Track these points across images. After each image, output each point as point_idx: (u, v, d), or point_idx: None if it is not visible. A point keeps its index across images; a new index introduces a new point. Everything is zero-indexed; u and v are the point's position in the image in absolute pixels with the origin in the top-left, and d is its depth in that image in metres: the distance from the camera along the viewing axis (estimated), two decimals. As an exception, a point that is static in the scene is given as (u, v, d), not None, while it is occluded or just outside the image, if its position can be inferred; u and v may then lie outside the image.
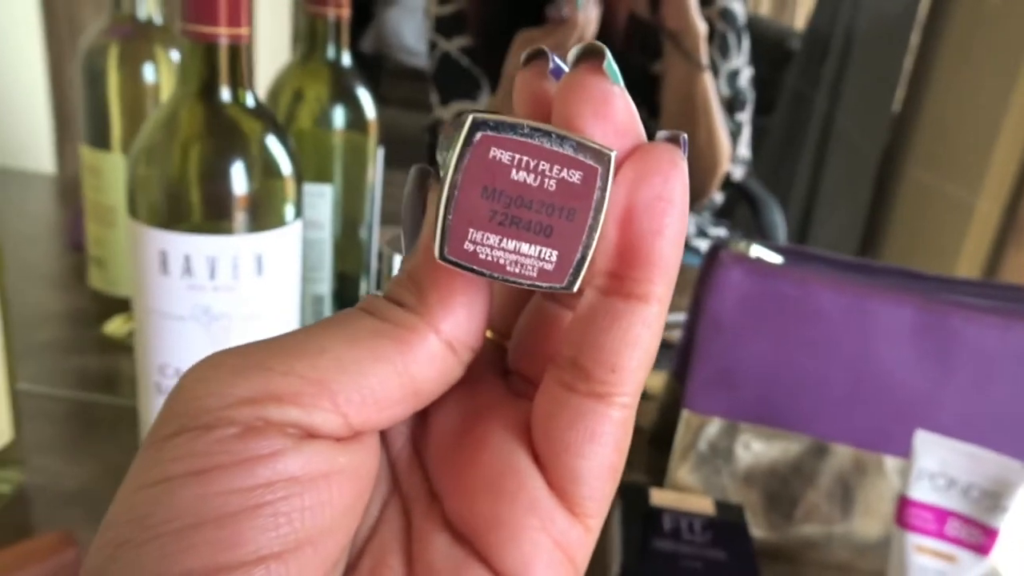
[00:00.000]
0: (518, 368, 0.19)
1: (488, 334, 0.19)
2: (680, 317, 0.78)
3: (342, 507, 0.16)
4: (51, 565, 0.41)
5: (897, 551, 0.44)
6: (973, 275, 1.64)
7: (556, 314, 0.19)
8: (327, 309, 0.62)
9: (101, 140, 0.60)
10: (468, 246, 0.16)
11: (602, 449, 0.16)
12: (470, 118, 0.15)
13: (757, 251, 0.52)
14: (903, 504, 0.44)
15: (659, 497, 0.50)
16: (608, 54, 0.16)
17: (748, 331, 0.51)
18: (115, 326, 0.66)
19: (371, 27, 4.35)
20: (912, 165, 2.00)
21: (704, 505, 0.49)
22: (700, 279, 0.54)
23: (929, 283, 0.52)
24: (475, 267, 0.16)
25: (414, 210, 0.18)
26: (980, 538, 0.42)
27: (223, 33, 0.40)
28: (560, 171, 0.15)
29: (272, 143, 0.42)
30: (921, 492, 0.43)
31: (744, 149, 1.13)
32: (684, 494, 0.51)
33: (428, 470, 0.19)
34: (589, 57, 0.16)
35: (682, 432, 0.53)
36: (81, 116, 0.60)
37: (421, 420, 0.19)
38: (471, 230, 0.16)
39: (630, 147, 0.16)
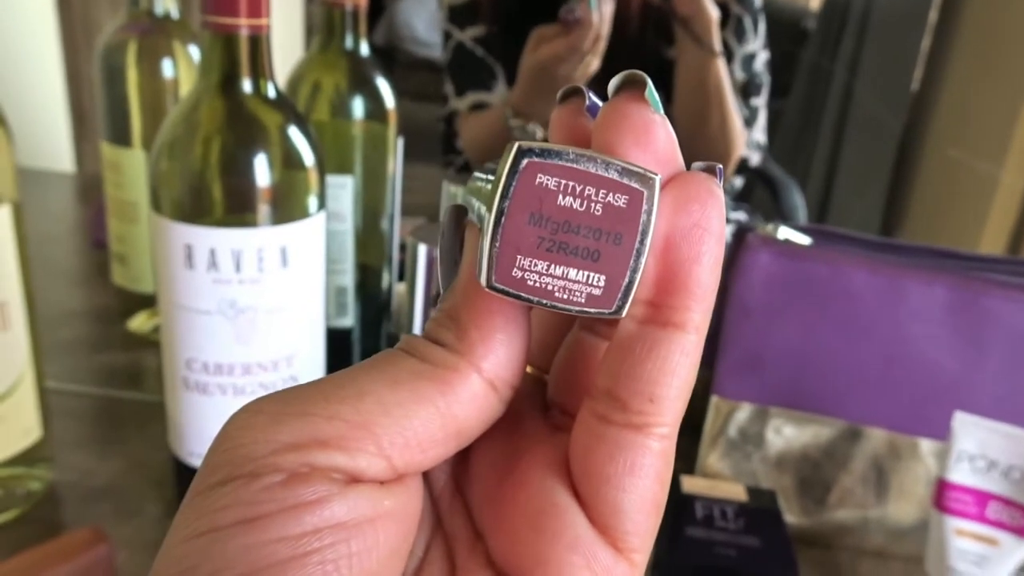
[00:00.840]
0: (557, 402, 0.19)
1: (528, 369, 0.19)
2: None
3: (388, 551, 0.16)
4: (82, 562, 0.41)
5: (936, 535, 0.43)
6: (998, 249, 1.61)
7: (594, 345, 0.19)
8: (350, 301, 0.62)
9: (121, 137, 0.60)
10: (516, 273, 0.16)
11: (643, 482, 0.16)
12: (516, 146, 0.15)
13: (785, 233, 0.51)
14: (942, 487, 0.43)
15: (690, 484, 0.49)
16: (649, 83, 0.16)
17: (777, 314, 0.50)
18: (139, 322, 0.66)
19: (382, 19, 4.35)
20: (934, 140, 1.98)
21: (736, 491, 0.49)
22: (727, 263, 0.53)
23: (962, 262, 0.51)
24: (523, 294, 0.16)
25: (451, 248, 0.18)
26: (1022, 520, 0.41)
27: (243, 24, 0.39)
28: (606, 195, 0.15)
29: (294, 134, 0.42)
30: (960, 475, 0.42)
31: (760, 134, 1.12)
32: (715, 481, 0.50)
33: (471, 509, 0.18)
34: (630, 86, 0.16)
35: (711, 418, 0.52)
36: (100, 113, 0.60)
37: (462, 458, 0.19)
38: (519, 257, 0.16)
39: (669, 176, 0.16)
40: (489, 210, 0.16)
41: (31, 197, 1.01)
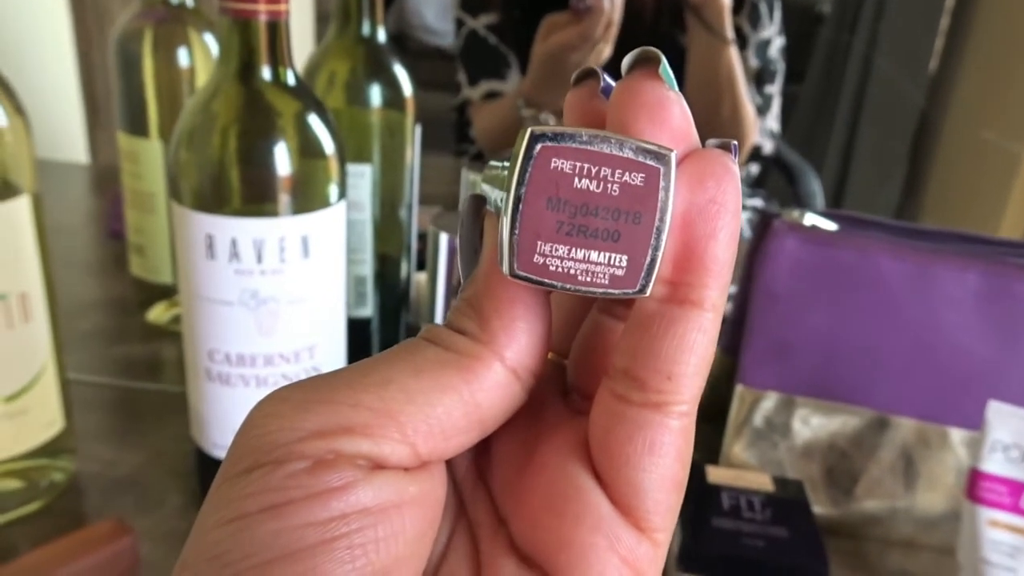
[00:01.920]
0: (577, 386, 0.19)
1: (548, 355, 0.19)
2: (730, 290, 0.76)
3: (414, 536, 0.16)
4: (107, 553, 0.41)
5: (968, 526, 0.42)
6: (1020, 227, 1.59)
7: (613, 328, 0.19)
8: (369, 291, 0.61)
9: (138, 126, 0.60)
10: (538, 259, 0.16)
11: (663, 460, 0.16)
12: (528, 131, 0.15)
13: (811, 219, 0.50)
14: (975, 477, 0.42)
15: (716, 474, 0.48)
16: (663, 59, 0.16)
17: (804, 301, 0.49)
18: (157, 313, 0.66)
19: (392, 8, 4.33)
20: (953, 120, 1.95)
21: (762, 482, 0.48)
22: (752, 249, 0.52)
23: (993, 247, 0.50)
24: (546, 280, 0.16)
25: (470, 238, 0.18)
26: (1058, 511, 0.40)
27: (262, 10, 0.39)
28: (622, 175, 0.15)
29: (315, 122, 0.41)
30: (994, 465, 0.41)
31: (773, 122, 1.10)
32: (741, 471, 0.49)
33: (493, 494, 0.19)
34: (644, 63, 0.16)
35: (736, 407, 0.52)
36: (117, 103, 0.59)
37: (484, 445, 0.19)
38: (539, 243, 0.16)
39: (685, 152, 0.16)
40: (506, 198, 0.16)
41: (46, 188, 1.01)
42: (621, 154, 0.15)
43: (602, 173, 0.15)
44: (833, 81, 2.33)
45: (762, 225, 0.51)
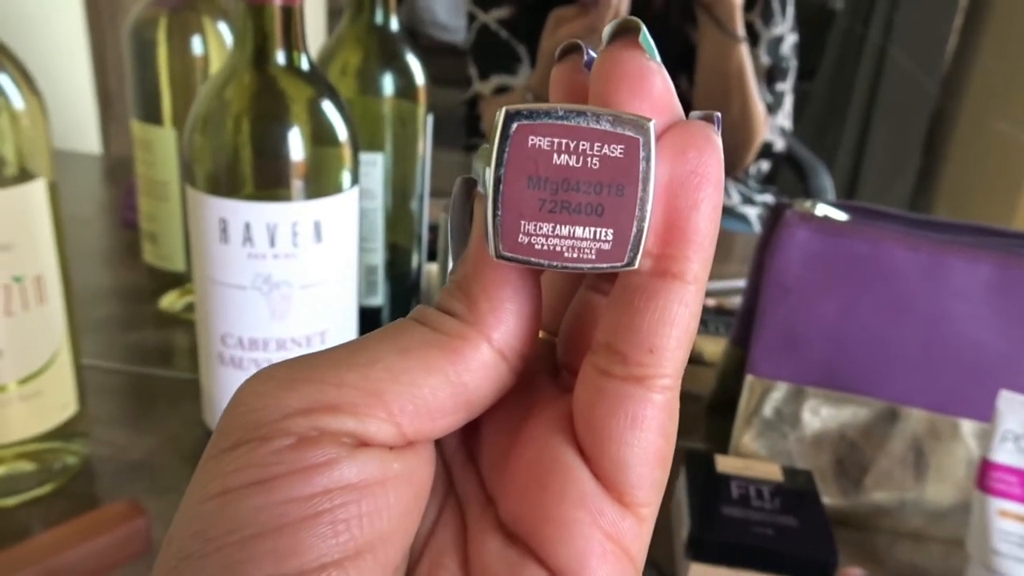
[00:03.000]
0: (566, 363, 0.19)
1: (539, 335, 0.19)
2: (738, 283, 0.76)
3: (399, 512, 0.16)
4: (121, 533, 0.42)
5: (978, 516, 0.42)
6: None
7: (600, 304, 0.18)
8: (380, 280, 0.62)
9: (152, 115, 0.60)
10: (523, 239, 0.15)
11: (646, 435, 0.16)
12: (503, 111, 0.15)
13: (823, 209, 0.50)
14: (985, 467, 0.42)
15: (724, 464, 0.49)
16: (644, 29, 0.16)
17: (815, 292, 0.49)
18: (170, 300, 0.66)
19: (403, 3, 4.34)
20: (968, 114, 1.94)
21: (771, 471, 0.48)
22: (763, 240, 0.52)
23: (1006, 239, 0.50)
24: (533, 259, 0.16)
25: (460, 220, 0.18)
26: (1069, 502, 0.40)
27: (277, -5, 0.39)
28: (601, 148, 0.15)
29: (328, 108, 0.42)
30: (1005, 455, 0.41)
31: (784, 120, 1.10)
32: (750, 460, 0.49)
33: (482, 472, 0.19)
34: (624, 33, 0.16)
35: (746, 398, 0.52)
36: (130, 90, 0.60)
37: (473, 424, 0.19)
38: (523, 222, 0.15)
39: (667, 124, 0.16)
40: (487, 180, 0.15)
41: (59, 178, 1.02)
42: (598, 127, 0.15)
43: (580, 147, 0.15)
44: (845, 77, 2.32)
45: (773, 215, 0.51)
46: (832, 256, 0.49)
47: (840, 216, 0.50)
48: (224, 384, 0.44)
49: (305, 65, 0.41)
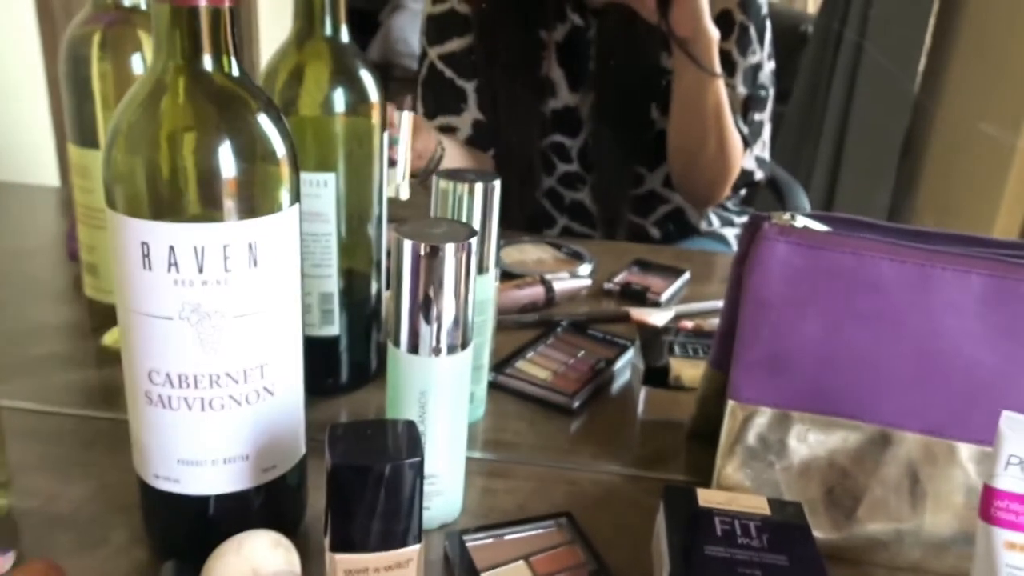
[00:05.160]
0: None
1: None
2: (718, 304, 0.73)
3: None
4: (37, 597, 0.37)
5: (983, 549, 0.39)
6: (1016, 222, 1.56)
7: None
8: (336, 308, 0.58)
9: (88, 138, 0.56)
10: None
11: None
12: None
13: (803, 221, 0.47)
14: (989, 495, 0.38)
15: (707, 497, 0.45)
16: None
17: (797, 310, 0.46)
18: (113, 336, 0.62)
19: (378, 35, 4.33)
20: (943, 119, 1.93)
21: (758, 504, 0.45)
22: (740, 256, 0.49)
23: (994, 249, 0.47)
24: None
25: None
26: (1081, 531, 0.37)
27: (201, -4, 0.36)
28: None
29: (263, 120, 0.38)
30: (1010, 482, 0.38)
31: (762, 150, 1.07)
32: (734, 493, 0.46)
33: None
34: None
35: (728, 425, 0.48)
36: (66, 112, 0.56)
37: None
38: None
39: None
40: None
41: (13, 212, 0.97)
42: None
43: None
44: (819, 98, 2.32)
45: (750, 229, 0.48)
46: (814, 270, 0.46)
47: (820, 228, 0.47)
48: (153, 425, 0.40)
49: (236, 73, 0.38)
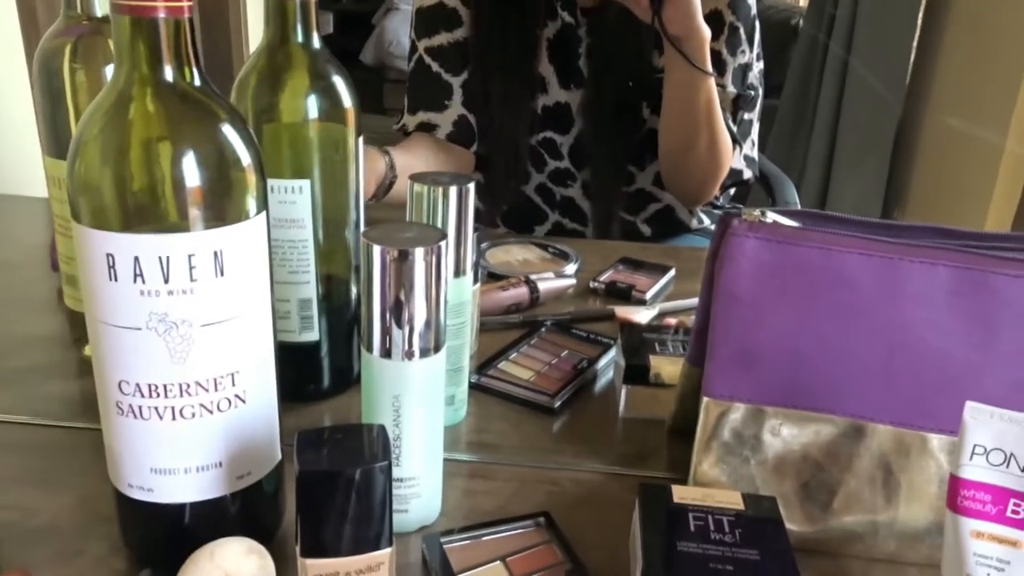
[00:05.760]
0: None
1: None
2: (695, 302, 0.73)
3: None
4: (13, 609, 0.37)
5: (952, 538, 0.39)
6: (1007, 219, 1.56)
7: None
8: (315, 314, 0.58)
9: (62, 149, 0.56)
10: None
11: None
12: None
13: (773, 217, 0.47)
14: (955, 485, 0.39)
15: (682, 494, 0.45)
16: None
17: (769, 305, 0.46)
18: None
19: (371, 37, 4.33)
20: (933, 117, 1.93)
21: (732, 499, 0.45)
22: (712, 252, 0.49)
23: (963, 240, 0.47)
24: None
25: None
26: (1047, 519, 0.37)
27: (160, 6, 0.36)
28: None
29: (226, 128, 0.38)
30: (975, 471, 0.38)
31: (751, 149, 1.07)
32: (710, 489, 0.46)
33: None
34: None
35: (703, 421, 0.48)
36: (40, 124, 0.56)
37: None
38: None
39: None
40: None
41: (2, 224, 0.98)
42: None
43: None
44: (811, 92, 2.32)
45: (721, 226, 0.48)
46: (783, 265, 0.46)
47: (790, 223, 0.48)
48: (125, 435, 0.40)
49: (198, 82, 0.38)
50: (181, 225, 0.37)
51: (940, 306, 0.45)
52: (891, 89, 2.06)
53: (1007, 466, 0.38)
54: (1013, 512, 0.37)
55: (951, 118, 1.85)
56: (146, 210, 0.37)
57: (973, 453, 0.38)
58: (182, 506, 0.41)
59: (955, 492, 0.39)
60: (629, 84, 1.02)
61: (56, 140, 0.56)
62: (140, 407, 0.39)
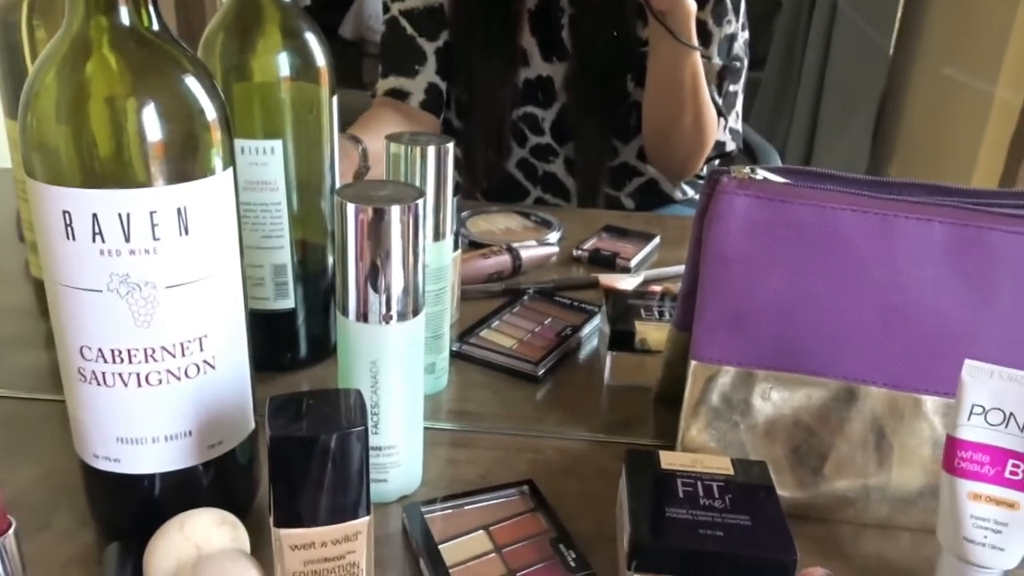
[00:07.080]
0: None
1: None
2: (681, 269, 0.72)
3: None
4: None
5: (948, 501, 0.38)
6: (996, 168, 1.55)
7: None
8: (290, 280, 0.56)
9: (23, 110, 0.54)
10: None
11: None
12: None
13: (762, 174, 0.46)
14: (952, 446, 0.38)
15: (669, 459, 0.44)
16: None
17: (759, 265, 0.45)
18: (62, 317, 0.60)
19: (350, 11, 4.26)
20: (923, 63, 1.91)
21: (722, 465, 0.44)
22: (700, 212, 0.47)
23: (958, 196, 0.45)
24: None
25: None
26: (1046, 479, 0.36)
27: (113, -54, 0.33)
28: None
29: (188, 79, 0.36)
30: (973, 431, 0.37)
31: (735, 122, 1.05)
32: (698, 455, 0.45)
33: None
34: None
35: (691, 385, 0.47)
36: (-2, 84, 0.54)
37: None
38: None
39: None
40: None
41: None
42: None
43: None
44: (795, 60, 2.30)
45: (710, 184, 0.47)
46: (775, 224, 0.44)
47: (781, 180, 0.46)
48: (88, 404, 0.38)
49: (156, 27, 0.36)
50: (142, 180, 0.35)
51: (936, 264, 0.43)
52: (878, 45, 2.04)
53: (1006, 426, 0.36)
54: (1012, 473, 0.36)
55: (941, 66, 1.83)
56: (104, 164, 0.35)
57: (971, 413, 0.37)
58: (151, 477, 0.39)
59: (952, 453, 0.37)
60: (612, 57, 0.99)
61: (16, 101, 0.54)
62: (104, 373, 0.37)
